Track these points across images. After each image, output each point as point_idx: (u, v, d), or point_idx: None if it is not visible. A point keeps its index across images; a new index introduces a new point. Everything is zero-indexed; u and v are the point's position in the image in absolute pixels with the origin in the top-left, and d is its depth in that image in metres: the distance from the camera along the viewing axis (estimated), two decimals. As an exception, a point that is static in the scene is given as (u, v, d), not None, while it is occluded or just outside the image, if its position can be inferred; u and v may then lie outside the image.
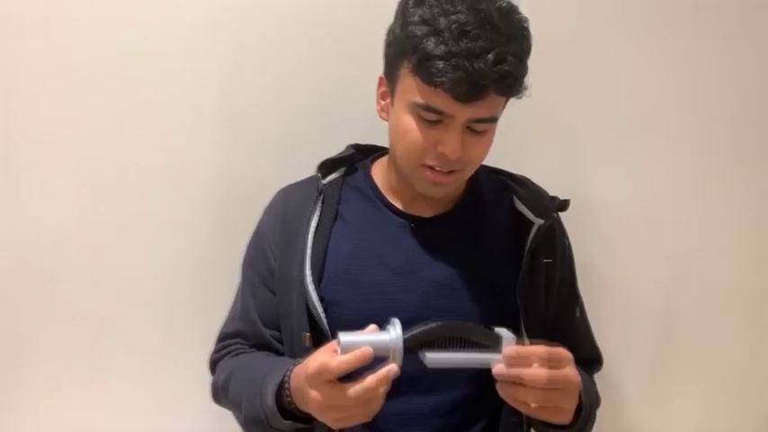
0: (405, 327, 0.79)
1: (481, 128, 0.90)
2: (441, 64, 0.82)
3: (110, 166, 1.19)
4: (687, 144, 1.31)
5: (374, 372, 0.75)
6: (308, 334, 0.92)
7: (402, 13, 0.89)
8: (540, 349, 0.77)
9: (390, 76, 0.93)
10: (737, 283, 1.34)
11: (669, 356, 1.35)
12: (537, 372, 0.76)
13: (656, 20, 1.28)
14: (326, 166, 1.03)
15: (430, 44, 0.83)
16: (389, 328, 0.78)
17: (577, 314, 1.07)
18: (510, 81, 0.85)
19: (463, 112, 0.86)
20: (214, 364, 1.04)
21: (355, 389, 0.75)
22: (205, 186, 1.22)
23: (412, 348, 0.77)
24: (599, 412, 0.98)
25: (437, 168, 0.90)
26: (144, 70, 1.18)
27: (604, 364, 1.10)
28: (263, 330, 1.00)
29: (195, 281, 1.23)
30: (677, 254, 1.33)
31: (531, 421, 0.95)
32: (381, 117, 0.97)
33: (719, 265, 1.33)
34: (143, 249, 1.22)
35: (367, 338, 0.77)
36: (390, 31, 0.92)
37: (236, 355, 1.01)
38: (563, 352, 0.80)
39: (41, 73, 1.16)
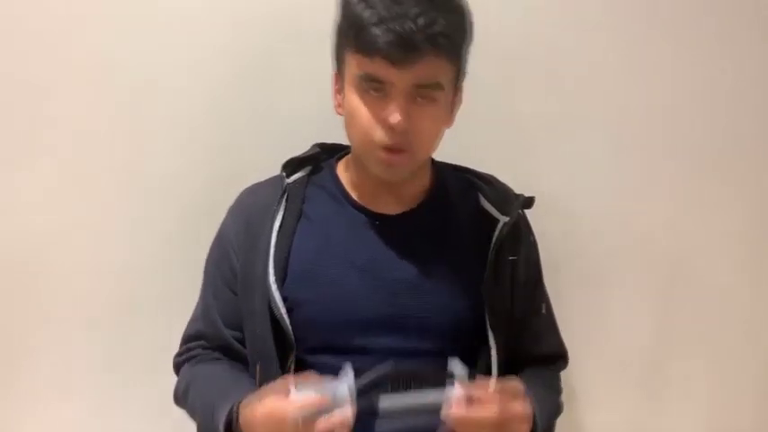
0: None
1: (425, 94, 0.90)
2: (374, 30, 0.85)
3: (103, 166, 1.21)
4: (658, 144, 1.29)
5: (327, 418, 0.77)
6: (258, 367, 0.95)
7: (342, 3, 0.92)
8: (488, 391, 0.81)
9: (339, 66, 0.96)
10: (718, 282, 1.32)
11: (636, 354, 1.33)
12: (486, 413, 0.79)
13: (633, 17, 1.26)
14: (291, 166, 1.03)
15: (365, 15, 0.86)
16: (342, 376, 0.79)
17: (543, 311, 1.07)
18: (442, 41, 0.87)
19: (402, 78, 0.88)
20: (177, 368, 1.05)
21: None
22: (201, 186, 1.23)
23: (365, 395, 0.79)
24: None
25: (389, 148, 0.91)
26: (133, 69, 1.20)
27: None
28: (224, 331, 1.00)
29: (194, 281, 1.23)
30: (654, 254, 1.31)
31: None
32: (338, 113, 0.99)
33: (696, 263, 1.31)
34: (140, 248, 1.24)
35: (320, 390, 0.79)
36: (334, 24, 0.95)
37: (197, 363, 1.01)
38: (513, 387, 0.84)
39: (36, 74, 1.18)
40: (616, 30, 1.26)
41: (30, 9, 1.17)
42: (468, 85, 1.00)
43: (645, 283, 1.31)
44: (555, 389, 1.05)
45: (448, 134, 1.00)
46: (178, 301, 1.08)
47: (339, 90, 0.98)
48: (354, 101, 0.92)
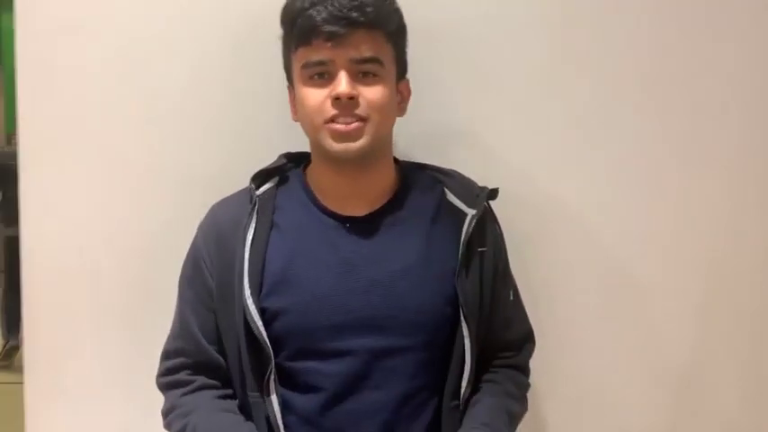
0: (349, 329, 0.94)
1: (366, 69, 0.95)
2: (309, 12, 0.92)
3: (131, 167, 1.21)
4: (616, 140, 1.28)
5: None
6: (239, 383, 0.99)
7: (281, 12, 0.99)
8: None
9: (288, 73, 1.02)
10: (675, 283, 1.31)
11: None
12: None
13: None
14: (260, 177, 1.05)
15: (297, 4, 0.94)
16: None
17: (511, 297, 1.09)
18: (371, 12, 0.93)
19: (340, 54, 0.93)
20: (162, 388, 1.04)
21: None
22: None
23: None
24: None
25: (340, 120, 0.94)
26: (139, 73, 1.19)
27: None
28: (206, 345, 1.00)
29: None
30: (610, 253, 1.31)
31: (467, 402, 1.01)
32: (294, 119, 1.03)
33: (652, 262, 1.30)
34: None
35: None
36: (280, 39, 1.01)
37: (186, 393, 1.00)
38: None
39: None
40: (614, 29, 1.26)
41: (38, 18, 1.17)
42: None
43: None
44: (516, 397, 1.07)
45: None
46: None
47: (293, 99, 1.02)
48: (302, 91, 0.97)
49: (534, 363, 1.14)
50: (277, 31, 1.02)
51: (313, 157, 1.04)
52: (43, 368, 1.22)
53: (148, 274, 1.20)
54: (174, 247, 1.08)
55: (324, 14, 0.91)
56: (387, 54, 0.97)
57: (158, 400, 1.03)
